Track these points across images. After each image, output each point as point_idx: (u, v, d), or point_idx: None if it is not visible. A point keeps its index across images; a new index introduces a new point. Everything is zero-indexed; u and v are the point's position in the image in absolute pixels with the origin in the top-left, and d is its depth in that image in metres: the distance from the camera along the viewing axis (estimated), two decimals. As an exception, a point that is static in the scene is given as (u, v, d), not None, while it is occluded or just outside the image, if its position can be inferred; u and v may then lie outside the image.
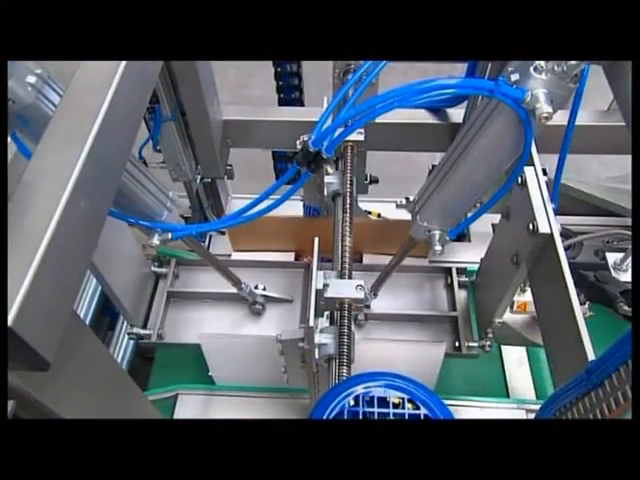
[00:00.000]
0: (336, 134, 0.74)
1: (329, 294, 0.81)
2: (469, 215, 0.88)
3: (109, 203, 0.60)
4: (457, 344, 1.15)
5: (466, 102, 1.18)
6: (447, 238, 0.87)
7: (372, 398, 0.59)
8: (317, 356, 0.80)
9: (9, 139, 0.68)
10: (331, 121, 0.75)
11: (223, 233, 1.51)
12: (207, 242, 1.48)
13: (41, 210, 0.47)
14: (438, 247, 0.86)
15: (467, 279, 1.22)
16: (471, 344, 1.14)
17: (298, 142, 0.79)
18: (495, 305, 1.03)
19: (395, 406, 0.58)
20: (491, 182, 0.77)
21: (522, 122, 0.65)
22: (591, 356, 0.68)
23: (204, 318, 1.23)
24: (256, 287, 1.20)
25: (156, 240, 0.87)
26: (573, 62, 0.60)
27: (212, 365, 1.20)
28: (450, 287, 1.24)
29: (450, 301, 1.23)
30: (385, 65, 0.70)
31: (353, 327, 0.81)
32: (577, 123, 0.90)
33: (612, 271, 1.05)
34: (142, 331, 1.16)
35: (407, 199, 0.91)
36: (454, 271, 1.24)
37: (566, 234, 1.06)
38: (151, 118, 1.08)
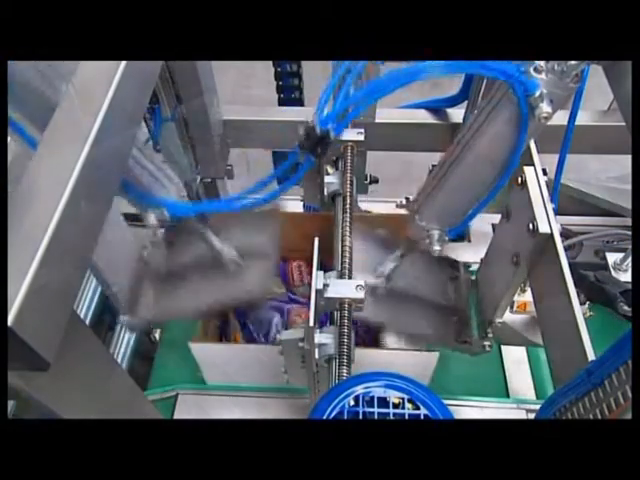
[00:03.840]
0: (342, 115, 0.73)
1: (329, 294, 0.81)
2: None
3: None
4: (461, 336, 1.10)
5: (466, 102, 1.18)
6: (446, 238, 0.87)
7: (372, 398, 0.59)
8: (317, 356, 0.80)
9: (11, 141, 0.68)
10: (331, 106, 0.74)
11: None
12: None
13: (41, 210, 0.47)
14: (437, 247, 0.85)
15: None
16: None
17: (299, 131, 0.77)
18: (495, 305, 1.03)
19: (395, 406, 0.58)
20: (491, 182, 0.77)
21: (522, 117, 0.64)
22: (591, 356, 0.68)
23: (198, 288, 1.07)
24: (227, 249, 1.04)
25: (152, 220, 0.80)
26: (573, 62, 0.60)
27: (206, 371, 1.20)
28: (455, 280, 1.18)
29: (456, 293, 1.16)
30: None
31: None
32: (577, 123, 0.91)
33: (612, 271, 1.05)
34: (132, 319, 1.01)
35: (407, 199, 0.91)
36: (462, 266, 1.18)
37: (566, 234, 1.06)
38: (151, 118, 1.08)
